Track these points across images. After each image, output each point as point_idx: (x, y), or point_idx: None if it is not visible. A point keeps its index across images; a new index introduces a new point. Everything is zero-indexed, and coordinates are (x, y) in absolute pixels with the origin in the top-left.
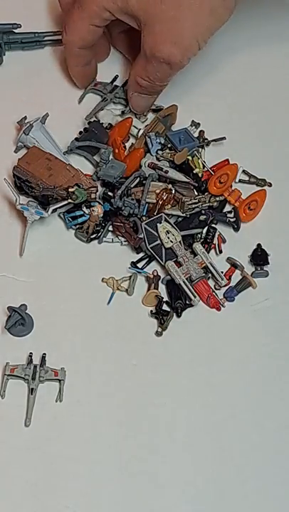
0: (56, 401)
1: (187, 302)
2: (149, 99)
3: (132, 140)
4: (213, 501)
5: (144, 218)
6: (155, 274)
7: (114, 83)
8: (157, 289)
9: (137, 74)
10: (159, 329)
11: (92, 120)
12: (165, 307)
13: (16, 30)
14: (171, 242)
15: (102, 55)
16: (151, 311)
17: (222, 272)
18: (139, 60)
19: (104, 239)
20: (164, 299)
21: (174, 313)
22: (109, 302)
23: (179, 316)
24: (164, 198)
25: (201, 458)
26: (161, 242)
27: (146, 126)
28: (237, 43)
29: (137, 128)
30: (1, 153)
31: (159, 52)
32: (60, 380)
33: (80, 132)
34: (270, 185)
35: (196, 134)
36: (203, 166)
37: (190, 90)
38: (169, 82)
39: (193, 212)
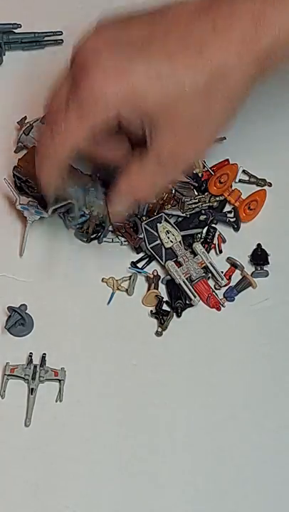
0: (56, 401)
1: (187, 302)
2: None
3: None
4: (213, 501)
5: (144, 218)
6: (155, 274)
7: None
8: (157, 289)
9: (134, 183)
10: (159, 329)
11: None
12: (165, 307)
13: (16, 30)
14: (171, 242)
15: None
16: (151, 311)
17: (222, 272)
18: (142, 167)
19: (104, 239)
20: (164, 299)
21: (174, 313)
22: (109, 302)
23: (179, 316)
24: (164, 198)
25: (201, 458)
26: (161, 242)
27: None
28: None
29: None
30: (1, 153)
31: (182, 154)
32: (60, 380)
33: None
34: (270, 185)
35: None
36: (203, 166)
37: None
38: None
39: (193, 212)
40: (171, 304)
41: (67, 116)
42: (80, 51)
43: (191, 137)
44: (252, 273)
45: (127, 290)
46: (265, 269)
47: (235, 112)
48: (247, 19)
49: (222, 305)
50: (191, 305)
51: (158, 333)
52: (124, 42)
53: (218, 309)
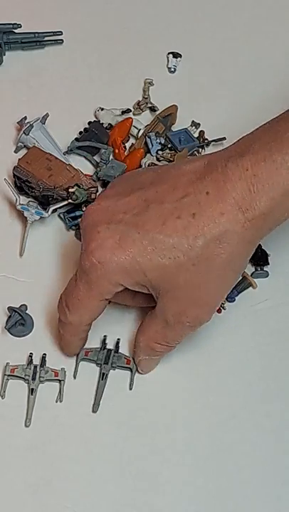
0: (56, 401)
1: None
2: (159, 359)
3: (132, 140)
4: (213, 501)
5: None
6: None
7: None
8: None
9: (151, 340)
10: None
11: (92, 120)
12: None
13: (16, 30)
14: None
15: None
16: None
17: None
18: (153, 325)
19: None
20: None
21: None
22: (110, 302)
23: None
24: None
25: (201, 458)
26: None
27: (146, 126)
28: (238, 43)
29: (137, 128)
30: (1, 153)
31: (186, 317)
32: (60, 381)
33: (80, 132)
34: None
35: (196, 134)
36: None
37: (190, 90)
38: None
39: None
40: None
41: (77, 294)
42: (83, 220)
43: (193, 302)
44: (252, 273)
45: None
46: (265, 269)
47: (237, 273)
48: (241, 187)
49: (222, 306)
50: None
51: None
52: (121, 212)
53: (219, 311)
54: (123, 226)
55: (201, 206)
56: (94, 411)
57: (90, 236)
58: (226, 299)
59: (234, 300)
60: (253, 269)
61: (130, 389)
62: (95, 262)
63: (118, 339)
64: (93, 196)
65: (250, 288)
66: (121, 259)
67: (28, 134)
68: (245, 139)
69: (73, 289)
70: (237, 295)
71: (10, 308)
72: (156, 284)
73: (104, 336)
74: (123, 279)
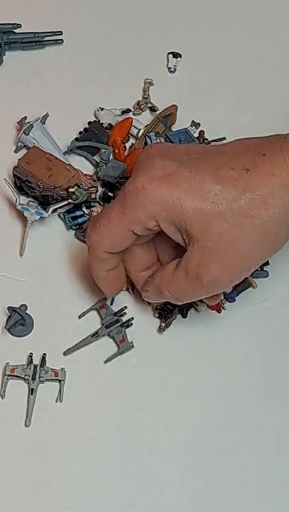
0: (56, 401)
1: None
2: (163, 301)
3: (132, 140)
4: (213, 501)
5: None
6: None
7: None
8: None
9: (165, 283)
10: (163, 324)
11: (92, 120)
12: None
13: (16, 30)
14: None
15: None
16: (156, 306)
17: None
18: (173, 271)
19: None
20: None
21: (180, 315)
22: (112, 303)
23: (184, 316)
24: None
25: (201, 458)
26: None
27: (146, 126)
28: (238, 43)
29: (137, 128)
30: (1, 153)
31: (206, 272)
32: (60, 381)
33: (80, 132)
34: None
35: (196, 134)
36: None
37: (190, 90)
38: None
39: None
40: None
41: (111, 207)
42: (140, 155)
43: (219, 258)
44: (252, 273)
45: (128, 288)
46: (265, 269)
47: (273, 245)
48: None
49: (222, 307)
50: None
51: (161, 329)
52: (180, 153)
53: (219, 311)
54: (178, 164)
55: (255, 164)
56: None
57: (142, 164)
58: (226, 299)
59: (234, 300)
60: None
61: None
62: (139, 186)
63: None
64: (93, 196)
65: (251, 288)
66: (165, 191)
67: (28, 134)
68: None
69: (107, 209)
70: (237, 295)
71: (10, 308)
72: (190, 227)
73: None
74: (159, 213)
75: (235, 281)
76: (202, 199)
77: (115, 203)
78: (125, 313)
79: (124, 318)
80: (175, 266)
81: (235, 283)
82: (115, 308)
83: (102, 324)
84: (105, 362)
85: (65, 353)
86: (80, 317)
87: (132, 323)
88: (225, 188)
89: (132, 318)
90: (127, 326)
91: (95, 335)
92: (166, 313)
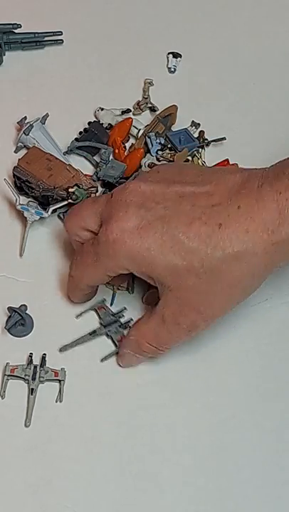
0: (56, 401)
1: None
2: (142, 360)
3: (132, 140)
4: (213, 501)
5: None
6: None
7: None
8: None
9: (142, 337)
10: None
11: (92, 120)
12: None
13: (16, 30)
14: None
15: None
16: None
17: None
18: (149, 322)
19: None
20: None
21: None
22: (112, 303)
23: None
24: None
25: (201, 458)
26: None
27: (146, 126)
28: (238, 43)
29: (137, 128)
30: (1, 153)
31: (183, 318)
32: (60, 381)
33: (80, 132)
34: None
35: (196, 134)
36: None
37: (190, 90)
38: None
39: None
40: None
41: (87, 257)
42: (117, 193)
43: (194, 307)
44: None
45: (127, 289)
46: None
47: (246, 294)
48: (272, 208)
49: None
50: None
51: None
52: (154, 201)
53: None
54: (151, 216)
55: (229, 219)
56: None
57: (116, 211)
58: None
59: None
60: None
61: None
62: (110, 239)
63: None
64: (93, 196)
65: None
66: (135, 246)
67: (28, 134)
68: (285, 162)
69: (84, 249)
70: None
71: (10, 308)
72: (162, 279)
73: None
74: (131, 266)
75: (213, 322)
76: (173, 255)
77: (92, 246)
78: (124, 315)
79: (123, 320)
80: (148, 317)
81: (211, 324)
82: (115, 309)
83: (101, 324)
84: (102, 360)
85: (61, 350)
86: (77, 317)
87: (130, 326)
88: (197, 244)
89: (131, 320)
90: (126, 327)
91: (93, 333)
92: None
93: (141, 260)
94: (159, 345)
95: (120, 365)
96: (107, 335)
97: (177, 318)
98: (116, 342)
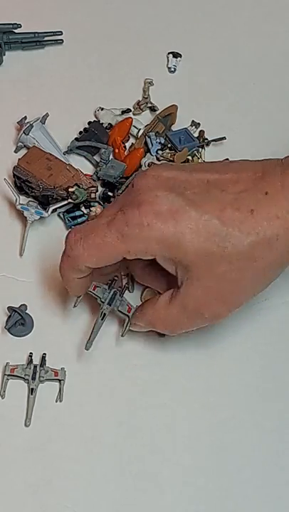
0: (56, 401)
1: None
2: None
3: (132, 140)
4: (213, 501)
5: None
6: None
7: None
8: None
9: (158, 320)
10: None
11: (92, 120)
12: None
13: (16, 30)
14: None
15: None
16: None
17: None
18: (168, 307)
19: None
20: None
21: None
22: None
23: None
24: None
25: (201, 458)
26: None
27: (146, 126)
28: (238, 43)
29: (137, 128)
30: (1, 153)
31: (207, 309)
32: (60, 380)
33: (80, 132)
34: None
35: (196, 134)
36: None
37: (190, 90)
38: None
39: None
40: None
41: (107, 229)
42: (140, 180)
43: (220, 296)
44: None
45: (127, 287)
46: None
47: (269, 281)
48: None
49: None
50: None
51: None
52: (182, 187)
53: None
54: (182, 201)
55: (260, 204)
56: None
57: (145, 197)
58: None
59: None
60: None
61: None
62: (144, 223)
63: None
64: (93, 196)
65: None
66: (170, 230)
67: (28, 134)
68: None
69: (98, 228)
70: None
71: (10, 308)
72: (192, 267)
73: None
74: (160, 250)
75: (234, 312)
76: (208, 241)
77: (113, 225)
78: (116, 279)
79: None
80: (168, 301)
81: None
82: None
83: (103, 302)
84: (122, 335)
85: (86, 348)
86: (74, 306)
87: (127, 286)
88: (231, 231)
89: (128, 283)
90: (125, 290)
91: (103, 316)
92: None
93: (173, 245)
94: (174, 330)
95: (131, 328)
96: (115, 310)
97: (201, 308)
98: (126, 313)
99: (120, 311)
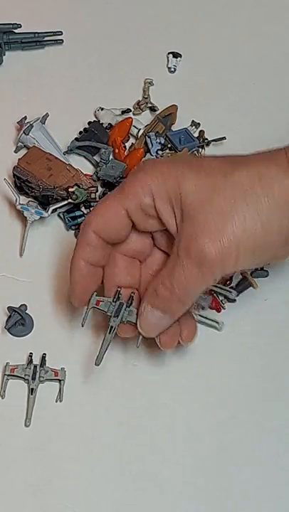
0: (56, 401)
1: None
2: (160, 319)
3: (132, 140)
4: (213, 501)
5: None
6: None
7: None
8: None
9: (157, 280)
10: None
11: (92, 120)
12: None
13: (16, 30)
14: None
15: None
16: None
17: None
18: (166, 264)
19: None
20: None
21: None
22: None
23: None
24: None
25: (201, 458)
26: None
27: (146, 126)
28: (238, 43)
29: (137, 128)
30: (1, 153)
31: (194, 245)
32: (60, 380)
33: (80, 132)
34: None
35: (196, 134)
36: None
37: (190, 90)
38: (189, 304)
39: None
40: None
41: (107, 198)
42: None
43: (206, 230)
44: (252, 273)
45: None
46: (265, 269)
47: (261, 236)
48: None
49: (222, 307)
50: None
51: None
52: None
53: (219, 310)
54: (180, 164)
55: (257, 153)
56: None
57: (144, 166)
58: (226, 299)
59: (235, 300)
60: (253, 269)
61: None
62: (140, 168)
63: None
64: (93, 196)
65: (250, 288)
66: (165, 167)
67: (28, 134)
68: None
69: (106, 197)
70: (237, 295)
71: (10, 308)
72: (185, 199)
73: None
74: (157, 187)
75: (222, 259)
76: (201, 172)
77: (115, 190)
78: (120, 293)
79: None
80: (162, 264)
81: (224, 267)
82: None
83: (110, 316)
84: (137, 346)
85: (96, 364)
86: (83, 324)
87: (132, 296)
88: (222, 163)
89: (133, 293)
90: (131, 303)
91: (111, 330)
92: None
93: (169, 179)
94: (172, 285)
95: (142, 333)
96: (123, 321)
97: (189, 245)
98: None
99: (129, 322)
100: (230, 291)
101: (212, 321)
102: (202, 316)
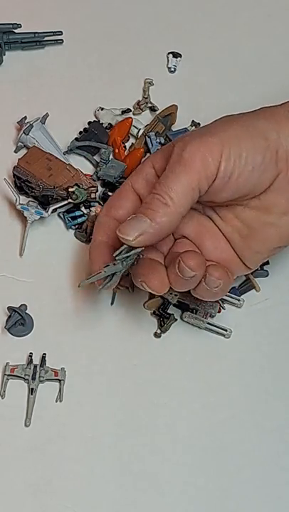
0: (56, 401)
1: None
2: (139, 221)
3: (132, 140)
4: (213, 501)
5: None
6: None
7: None
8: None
9: (156, 186)
10: (158, 331)
11: (92, 120)
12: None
13: (16, 30)
14: (176, 295)
15: None
16: (154, 311)
17: None
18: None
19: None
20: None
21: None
22: (112, 303)
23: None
24: None
25: (201, 458)
26: (168, 301)
27: (146, 126)
28: (238, 43)
29: (137, 128)
30: (1, 153)
31: (181, 144)
32: (60, 380)
33: (80, 132)
34: None
35: None
36: None
37: (190, 90)
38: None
39: None
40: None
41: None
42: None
43: (196, 135)
44: (252, 273)
45: (128, 287)
46: (265, 269)
47: (243, 163)
48: None
49: (222, 307)
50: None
51: (157, 335)
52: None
53: (219, 311)
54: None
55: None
56: (26, 425)
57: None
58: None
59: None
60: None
61: (60, 401)
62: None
63: (44, 354)
64: (93, 196)
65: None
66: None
67: (28, 134)
68: None
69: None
70: (239, 296)
71: (10, 308)
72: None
73: (31, 353)
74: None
75: (206, 152)
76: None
77: (167, 171)
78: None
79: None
80: None
81: (209, 165)
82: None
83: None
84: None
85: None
86: (79, 285)
87: (127, 287)
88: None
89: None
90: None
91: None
92: (162, 318)
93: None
94: (156, 185)
95: (121, 237)
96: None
97: (183, 149)
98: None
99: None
100: (238, 299)
101: (220, 328)
102: (210, 324)
